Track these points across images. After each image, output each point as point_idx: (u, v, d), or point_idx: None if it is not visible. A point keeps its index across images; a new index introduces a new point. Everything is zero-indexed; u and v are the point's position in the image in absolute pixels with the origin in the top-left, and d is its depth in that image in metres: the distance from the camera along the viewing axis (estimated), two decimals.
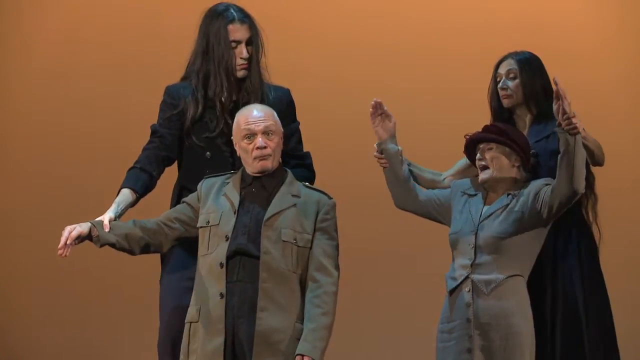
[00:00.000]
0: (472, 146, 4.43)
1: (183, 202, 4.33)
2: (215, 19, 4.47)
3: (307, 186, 4.31)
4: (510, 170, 4.38)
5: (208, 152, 4.47)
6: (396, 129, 4.51)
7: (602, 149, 4.40)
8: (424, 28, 6.37)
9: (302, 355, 4.08)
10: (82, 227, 4.15)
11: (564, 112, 4.11)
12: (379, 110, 4.53)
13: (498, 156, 4.37)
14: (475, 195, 4.43)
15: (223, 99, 4.46)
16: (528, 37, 6.05)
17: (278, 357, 4.08)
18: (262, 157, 4.20)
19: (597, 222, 4.52)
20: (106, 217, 4.22)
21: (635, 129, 6.21)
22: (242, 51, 4.46)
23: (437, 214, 4.52)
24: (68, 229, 4.12)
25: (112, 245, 4.19)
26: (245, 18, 4.49)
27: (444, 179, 4.69)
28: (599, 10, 6.29)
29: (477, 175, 4.45)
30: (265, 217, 4.17)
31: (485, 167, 4.38)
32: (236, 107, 4.44)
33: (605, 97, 6.19)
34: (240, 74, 4.47)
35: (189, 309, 4.19)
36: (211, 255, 4.16)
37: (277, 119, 4.28)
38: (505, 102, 4.59)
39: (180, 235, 4.28)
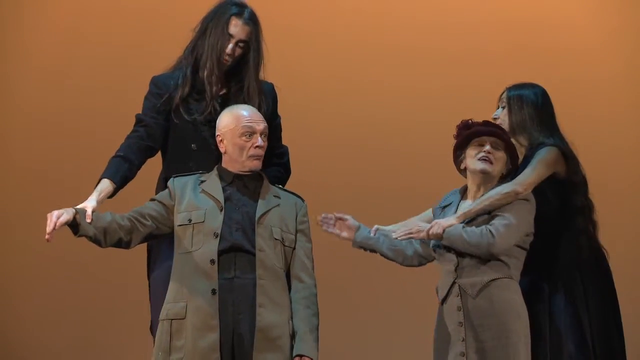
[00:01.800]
0: (475, 134, 4.40)
1: (154, 200, 4.30)
2: (227, 7, 4.50)
3: (281, 188, 4.36)
4: (497, 176, 4.38)
5: (193, 144, 4.47)
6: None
7: (498, 190, 4.30)
8: (424, 28, 6.38)
9: (301, 356, 4.12)
10: (69, 214, 4.09)
11: (422, 237, 4.30)
12: (330, 221, 4.56)
13: (502, 159, 4.37)
14: (450, 204, 4.43)
15: (213, 83, 4.47)
16: (528, 37, 6.07)
17: (277, 352, 4.11)
18: (258, 157, 4.24)
19: (600, 247, 4.53)
20: (89, 208, 4.18)
21: (635, 128, 6.22)
22: (226, 42, 4.47)
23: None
24: (56, 214, 4.07)
25: (86, 237, 4.15)
26: (252, 23, 4.49)
27: None
28: (599, 9, 6.29)
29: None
30: (258, 215, 4.20)
31: (488, 161, 4.36)
32: (226, 102, 4.46)
33: (605, 96, 6.19)
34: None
35: (170, 306, 4.17)
36: (197, 252, 4.15)
37: None
38: None
39: (151, 232, 4.26)
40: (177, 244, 4.22)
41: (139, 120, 4.53)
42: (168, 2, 6.36)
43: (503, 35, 6.20)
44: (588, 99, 5.92)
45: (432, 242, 4.40)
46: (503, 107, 4.59)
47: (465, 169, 4.42)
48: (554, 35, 6.18)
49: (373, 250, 4.55)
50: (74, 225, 4.11)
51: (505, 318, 4.23)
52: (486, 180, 4.36)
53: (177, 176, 4.33)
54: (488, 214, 4.31)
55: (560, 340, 4.39)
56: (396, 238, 4.35)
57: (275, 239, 4.20)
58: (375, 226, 4.57)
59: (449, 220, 4.29)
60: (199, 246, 4.16)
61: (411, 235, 4.32)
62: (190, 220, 4.20)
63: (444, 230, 4.25)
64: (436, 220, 4.31)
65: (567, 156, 4.48)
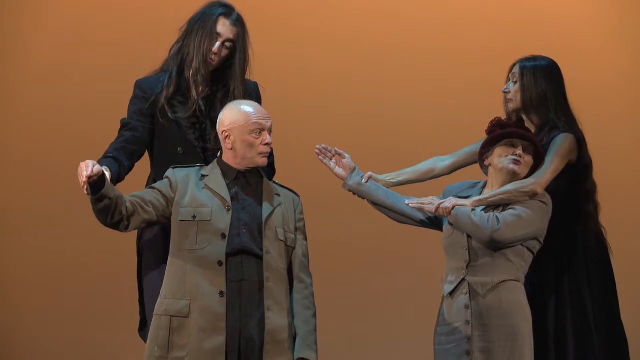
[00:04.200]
0: (510, 134, 4.38)
1: (153, 188, 4.21)
2: (214, 8, 4.49)
3: (277, 184, 4.35)
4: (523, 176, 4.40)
5: (179, 148, 4.44)
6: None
7: (517, 187, 4.32)
8: (425, 26, 6.38)
9: (303, 359, 4.13)
10: (98, 168, 3.92)
11: (431, 210, 4.33)
12: (328, 154, 4.56)
13: (530, 163, 4.38)
14: (468, 197, 4.41)
15: (198, 83, 4.44)
16: (529, 35, 6.08)
17: (285, 356, 4.12)
18: (266, 154, 4.23)
19: (602, 232, 4.53)
20: (107, 173, 4.05)
21: (636, 127, 6.22)
22: (213, 41, 4.45)
23: (431, 222, 4.51)
24: (90, 163, 3.90)
25: (104, 200, 3.97)
26: (240, 25, 4.48)
27: (445, 162, 4.69)
28: (600, 8, 6.29)
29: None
30: (264, 217, 4.18)
31: (519, 162, 4.36)
32: (211, 103, 4.45)
33: (606, 94, 6.19)
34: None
35: (169, 302, 4.11)
36: (203, 252, 4.11)
37: None
38: (509, 106, 4.58)
39: (150, 220, 4.16)
40: (177, 239, 4.16)
41: (124, 125, 4.48)
42: (168, 2, 6.35)
43: (503, 35, 6.20)
44: (589, 98, 5.92)
45: (447, 240, 4.39)
46: (515, 82, 4.56)
47: (488, 165, 4.43)
48: (554, 34, 6.18)
49: (362, 197, 4.55)
50: (96, 185, 3.95)
51: (514, 320, 4.23)
52: (512, 180, 4.36)
53: (176, 167, 4.28)
54: (502, 207, 4.32)
55: (565, 330, 4.40)
56: (407, 204, 4.40)
57: (280, 240, 4.19)
58: (369, 173, 4.56)
59: (462, 201, 4.31)
60: (204, 245, 4.12)
61: (423, 206, 4.35)
62: (194, 217, 4.15)
63: (453, 207, 4.27)
64: (450, 197, 4.34)
65: (580, 142, 4.48)
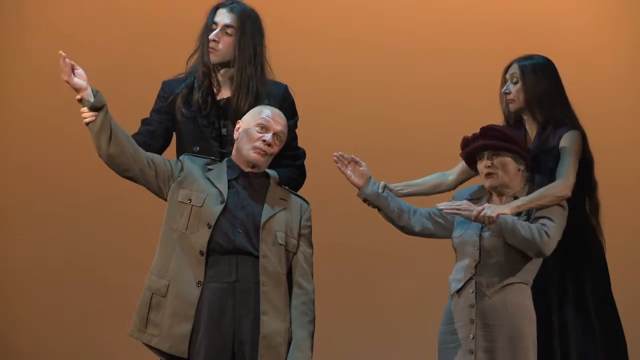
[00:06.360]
0: (474, 151, 4.39)
1: (167, 161, 4.25)
2: (215, 5, 4.53)
3: (287, 190, 4.34)
4: (516, 174, 4.36)
5: (196, 147, 4.46)
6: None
7: (552, 192, 4.29)
8: (424, 28, 6.38)
9: None
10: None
11: (470, 218, 4.21)
12: (344, 161, 4.51)
13: (505, 162, 4.34)
14: (479, 199, 4.40)
15: (205, 74, 4.46)
16: (527, 37, 6.08)
17: None
18: (261, 152, 4.23)
19: (599, 230, 4.53)
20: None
21: (635, 128, 6.22)
22: (212, 32, 4.46)
23: (443, 229, 4.48)
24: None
25: (101, 111, 4.16)
26: (239, 12, 4.48)
27: (450, 177, 4.70)
28: (598, 9, 6.29)
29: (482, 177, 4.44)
30: (263, 220, 4.18)
31: (492, 174, 4.35)
32: (235, 107, 4.45)
33: (605, 96, 6.19)
34: (210, 57, 4.47)
35: (154, 278, 4.13)
36: (191, 237, 4.13)
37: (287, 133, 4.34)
38: (510, 107, 4.58)
39: (148, 176, 4.19)
40: (172, 218, 4.17)
41: (142, 121, 4.56)
42: (167, 4, 6.36)
43: (503, 36, 6.20)
44: (587, 100, 5.92)
45: (458, 239, 4.38)
46: (515, 82, 4.55)
47: None
48: (553, 36, 6.18)
49: (376, 206, 4.48)
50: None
51: (519, 322, 4.23)
52: (504, 188, 4.35)
53: (188, 154, 4.33)
54: (530, 211, 4.31)
55: (568, 330, 4.41)
56: (441, 210, 4.30)
57: (280, 244, 4.19)
58: (383, 182, 4.50)
59: (502, 208, 4.24)
60: (192, 231, 4.14)
61: (459, 213, 4.24)
62: (189, 200, 4.17)
63: (497, 216, 4.20)
64: (487, 205, 4.27)
65: (584, 138, 4.49)
